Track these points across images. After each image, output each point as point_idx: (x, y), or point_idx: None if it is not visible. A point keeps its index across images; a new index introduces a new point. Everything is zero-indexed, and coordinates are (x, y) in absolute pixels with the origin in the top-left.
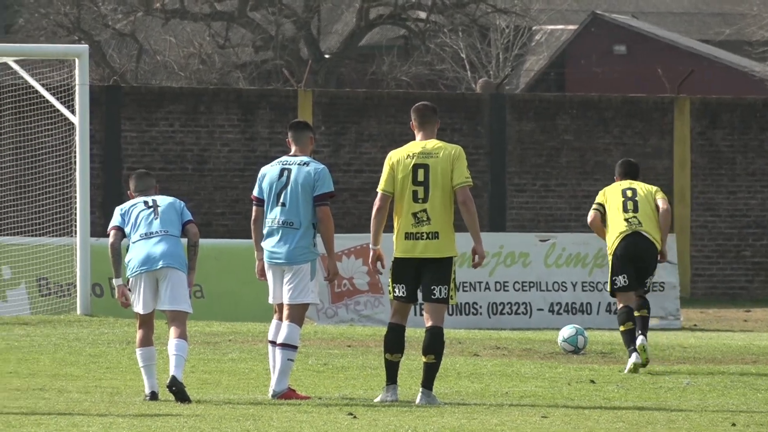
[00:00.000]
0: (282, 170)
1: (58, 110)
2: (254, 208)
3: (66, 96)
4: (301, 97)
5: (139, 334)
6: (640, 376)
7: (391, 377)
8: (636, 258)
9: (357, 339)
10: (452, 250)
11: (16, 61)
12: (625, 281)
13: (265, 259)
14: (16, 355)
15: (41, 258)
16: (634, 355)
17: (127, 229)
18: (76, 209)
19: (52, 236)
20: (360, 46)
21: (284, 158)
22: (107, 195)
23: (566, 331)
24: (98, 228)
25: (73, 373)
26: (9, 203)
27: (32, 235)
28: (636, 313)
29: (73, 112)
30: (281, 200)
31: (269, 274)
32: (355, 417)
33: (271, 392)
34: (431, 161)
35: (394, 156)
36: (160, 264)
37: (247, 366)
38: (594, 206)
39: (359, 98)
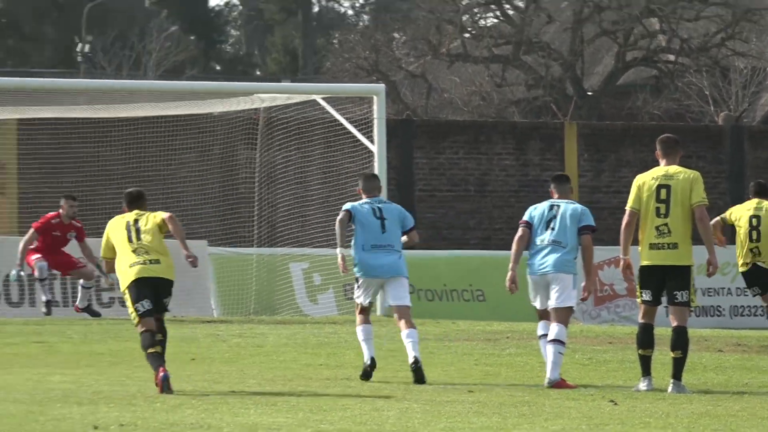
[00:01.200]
0: (552, 206)
1: (359, 140)
2: (521, 229)
3: (366, 128)
4: (567, 128)
5: (359, 318)
6: None
7: (646, 370)
8: None
9: (617, 337)
10: (689, 259)
11: (323, 98)
12: None
13: (533, 272)
14: (326, 350)
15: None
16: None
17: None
18: None
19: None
20: (618, 84)
21: (552, 201)
22: None
23: None
24: None
25: None
26: (317, 220)
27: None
28: None
29: (372, 142)
30: (551, 225)
31: (534, 285)
32: (615, 404)
33: (546, 381)
34: (672, 182)
35: (641, 179)
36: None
37: (523, 360)
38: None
39: (617, 130)
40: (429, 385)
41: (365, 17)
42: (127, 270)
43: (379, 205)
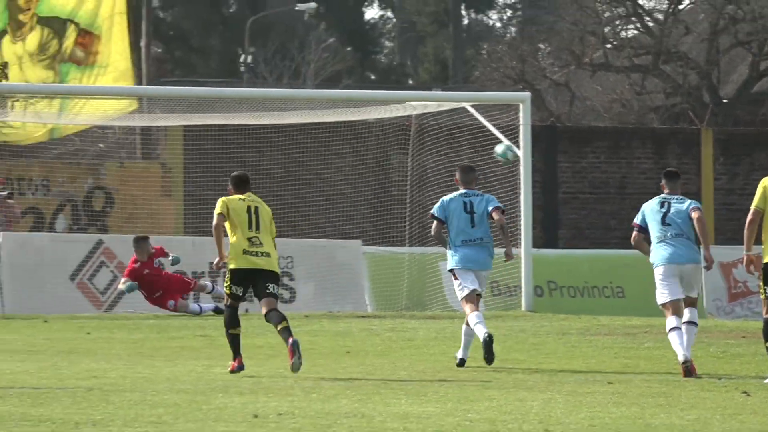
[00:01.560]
0: (662, 202)
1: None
2: (634, 233)
3: (512, 134)
4: (704, 134)
5: (470, 307)
6: None
7: None
8: None
9: (750, 331)
10: None
11: (472, 106)
12: None
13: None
14: (476, 344)
15: (493, 264)
16: None
17: None
18: (521, 225)
19: (502, 247)
20: (752, 92)
21: (663, 196)
22: (546, 214)
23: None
24: (539, 241)
25: (518, 357)
26: None
27: None
28: None
29: (518, 147)
30: (666, 221)
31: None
32: (748, 395)
33: (681, 357)
34: None
35: (766, 181)
36: None
37: (660, 353)
38: None
39: (751, 135)
40: (571, 376)
41: (512, 29)
42: (240, 254)
43: (470, 199)
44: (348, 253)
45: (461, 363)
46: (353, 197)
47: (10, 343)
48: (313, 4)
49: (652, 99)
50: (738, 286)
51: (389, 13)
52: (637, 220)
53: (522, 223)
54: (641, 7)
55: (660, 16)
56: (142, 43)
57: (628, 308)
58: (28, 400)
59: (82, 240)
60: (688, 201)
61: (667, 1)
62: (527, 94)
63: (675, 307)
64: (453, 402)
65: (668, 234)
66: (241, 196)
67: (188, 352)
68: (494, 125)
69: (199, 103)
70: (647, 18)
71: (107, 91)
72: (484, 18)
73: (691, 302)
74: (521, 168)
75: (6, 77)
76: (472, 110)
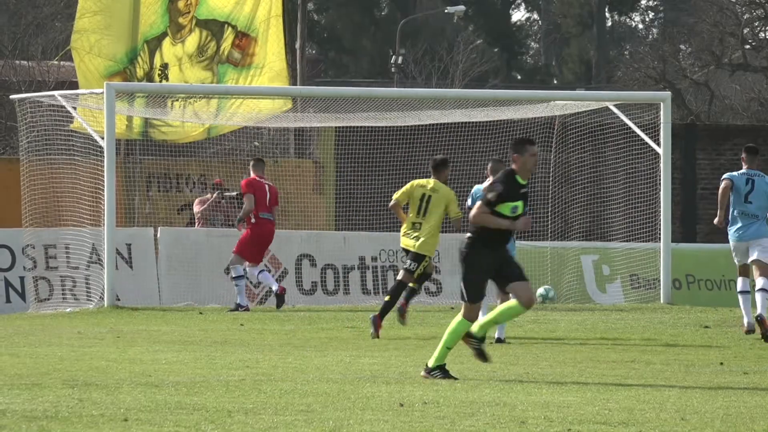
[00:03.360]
0: (747, 179)
1: (646, 143)
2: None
3: (653, 132)
4: None
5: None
6: None
7: None
8: None
9: None
10: None
11: (615, 105)
12: None
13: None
14: (613, 335)
15: (633, 258)
16: None
17: None
18: (660, 220)
19: (641, 242)
20: None
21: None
22: (685, 209)
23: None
24: (677, 236)
25: (656, 349)
26: (606, 216)
27: (625, 241)
28: None
29: (658, 144)
30: (748, 199)
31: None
32: None
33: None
34: None
35: None
36: None
37: None
38: None
39: None
40: (707, 367)
41: (654, 30)
42: (401, 236)
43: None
44: None
45: (498, 341)
46: None
47: (166, 334)
48: (461, 7)
49: None
50: None
51: (535, 15)
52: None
53: (661, 217)
54: None
55: None
56: (297, 45)
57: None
58: (183, 389)
59: (237, 235)
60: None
61: None
62: (668, 94)
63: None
64: (592, 392)
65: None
66: (423, 183)
67: (337, 343)
68: (635, 123)
69: (351, 102)
70: None
71: (263, 92)
72: (627, 20)
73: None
74: (661, 165)
75: (166, 78)
76: (614, 109)
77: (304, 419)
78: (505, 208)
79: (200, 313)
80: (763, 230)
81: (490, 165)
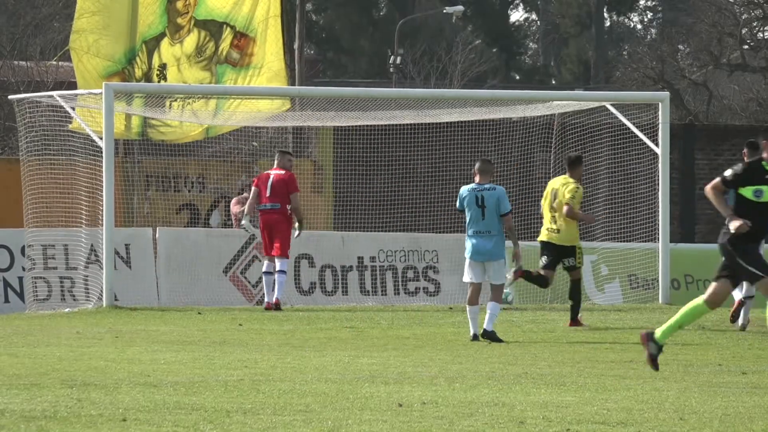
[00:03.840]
0: None
1: (645, 143)
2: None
3: (651, 132)
4: None
5: (469, 299)
6: None
7: None
8: None
9: None
10: None
11: (613, 105)
12: None
13: None
14: (612, 335)
15: (631, 259)
16: None
17: None
18: (658, 220)
19: (639, 242)
20: None
21: None
22: (683, 209)
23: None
24: (676, 236)
25: None
26: (605, 215)
27: (623, 241)
28: None
29: (656, 144)
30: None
31: None
32: None
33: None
34: None
35: None
36: None
37: None
38: None
39: None
40: (706, 366)
41: (652, 31)
42: (543, 229)
43: (482, 193)
44: None
45: (474, 338)
46: None
47: (165, 334)
48: (460, 7)
49: None
50: None
51: (534, 16)
52: None
53: (660, 217)
54: None
55: None
56: (296, 45)
57: (762, 301)
58: (182, 389)
59: (236, 235)
60: None
61: None
62: (666, 94)
63: None
64: (591, 392)
65: None
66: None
67: (336, 343)
68: (634, 123)
69: (349, 102)
70: None
71: (261, 92)
72: (626, 20)
73: None
74: (660, 165)
75: (164, 78)
76: (612, 109)
77: (302, 419)
78: (747, 191)
79: (199, 313)
80: None
81: (477, 165)
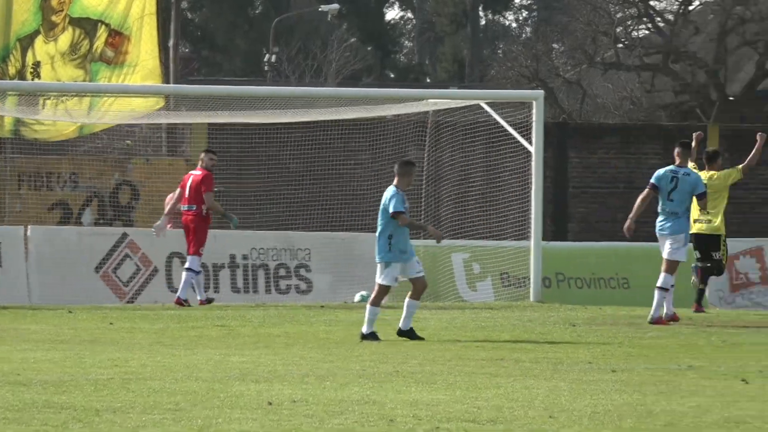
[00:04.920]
0: (672, 176)
1: (518, 142)
2: (647, 190)
3: (525, 131)
4: (711, 130)
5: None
6: None
7: None
8: None
9: (750, 322)
10: None
11: (487, 103)
12: None
13: (657, 231)
14: (483, 333)
15: (503, 257)
16: None
17: None
18: (531, 218)
19: (512, 240)
20: (758, 89)
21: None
22: (556, 208)
23: None
24: (548, 234)
25: (525, 347)
26: (477, 214)
27: (496, 239)
28: None
29: (530, 143)
30: (671, 196)
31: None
32: (747, 382)
33: None
34: None
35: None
36: None
37: (663, 342)
38: None
39: (756, 132)
40: (576, 365)
41: (527, 29)
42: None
43: (385, 195)
44: (363, 245)
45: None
46: (371, 192)
47: (36, 333)
48: (335, 5)
49: (661, 97)
50: (739, 277)
51: (409, 14)
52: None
53: (533, 216)
54: (652, 8)
55: (670, 17)
56: (170, 43)
57: (632, 299)
58: (51, 388)
59: (108, 233)
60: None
61: (677, 2)
62: (540, 92)
63: None
64: (462, 390)
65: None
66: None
67: (207, 341)
68: (508, 122)
69: (223, 101)
70: (658, 18)
71: (135, 90)
72: (501, 18)
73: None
74: (533, 163)
75: (38, 76)
76: (487, 108)
77: (172, 418)
78: None
79: (70, 312)
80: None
81: (396, 167)
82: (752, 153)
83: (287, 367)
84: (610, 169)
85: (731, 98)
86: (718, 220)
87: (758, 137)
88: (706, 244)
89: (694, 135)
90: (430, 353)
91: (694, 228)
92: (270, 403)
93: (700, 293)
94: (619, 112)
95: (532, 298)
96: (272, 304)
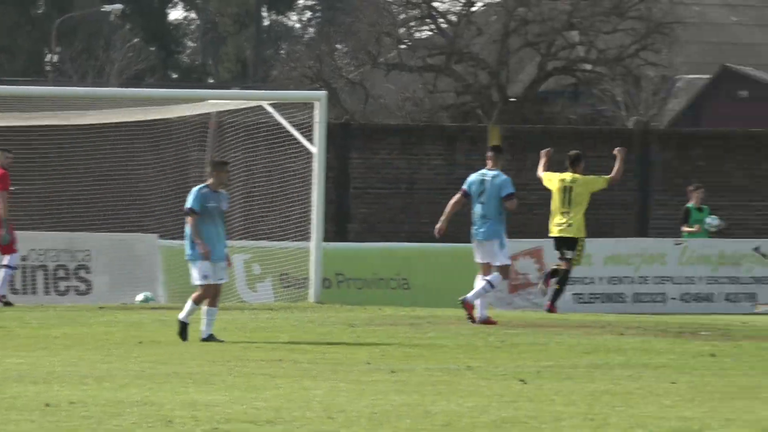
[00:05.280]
0: (482, 180)
1: (301, 142)
2: (458, 195)
3: (307, 131)
4: (491, 131)
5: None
6: (755, 350)
7: None
8: None
9: (529, 322)
10: None
11: (270, 104)
12: None
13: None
14: (262, 334)
15: (284, 257)
16: None
17: None
18: (313, 219)
19: (293, 240)
20: (539, 91)
21: (484, 171)
22: (338, 209)
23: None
24: (330, 235)
25: (304, 348)
26: (260, 214)
27: (277, 240)
28: None
29: (312, 144)
30: (481, 199)
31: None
32: (525, 383)
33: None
34: None
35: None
36: None
37: (442, 342)
38: None
39: (537, 132)
40: (355, 365)
41: (311, 30)
42: (553, 227)
43: None
44: (144, 246)
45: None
46: (153, 192)
47: None
48: (119, 6)
49: (443, 98)
50: (518, 278)
51: (193, 14)
52: None
53: (314, 216)
54: (435, 9)
55: (454, 18)
56: None
57: (413, 299)
58: None
59: None
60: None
61: (460, 4)
62: (323, 93)
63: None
64: (240, 390)
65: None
66: (564, 175)
67: None
68: (290, 123)
69: (3, 101)
70: (441, 19)
71: None
72: (284, 19)
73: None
74: (315, 164)
75: None
76: (269, 108)
77: None
78: None
79: None
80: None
81: (209, 169)
82: (617, 167)
83: (66, 369)
84: (392, 169)
85: (512, 99)
86: (576, 223)
87: (617, 152)
88: (564, 244)
89: (544, 152)
90: (209, 354)
91: (554, 231)
92: (48, 405)
93: (557, 293)
94: (402, 112)
95: (312, 299)
96: (51, 305)
